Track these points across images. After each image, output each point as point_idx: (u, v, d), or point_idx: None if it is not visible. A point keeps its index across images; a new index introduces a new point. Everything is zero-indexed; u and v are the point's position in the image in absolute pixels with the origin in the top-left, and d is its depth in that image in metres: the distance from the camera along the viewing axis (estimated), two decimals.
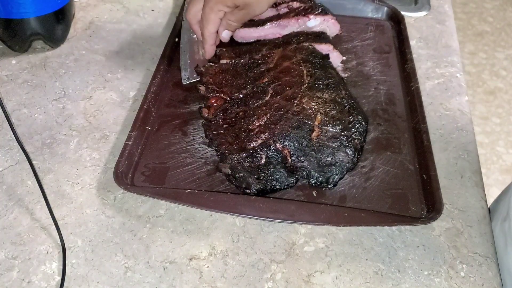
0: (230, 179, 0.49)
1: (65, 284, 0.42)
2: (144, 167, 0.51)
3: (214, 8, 0.56)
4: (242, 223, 0.47)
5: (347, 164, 0.51)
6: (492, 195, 1.47)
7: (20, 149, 0.43)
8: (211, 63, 0.61)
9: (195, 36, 0.67)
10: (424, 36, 0.74)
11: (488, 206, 0.52)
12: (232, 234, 0.47)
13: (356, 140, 0.52)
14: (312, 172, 0.50)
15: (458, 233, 0.48)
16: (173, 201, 0.47)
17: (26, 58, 0.66)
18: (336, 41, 0.70)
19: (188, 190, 0.48)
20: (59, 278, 0.42)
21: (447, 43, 0.73)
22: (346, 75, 0.65)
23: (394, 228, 0.48)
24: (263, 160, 0.50)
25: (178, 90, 0.61)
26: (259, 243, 0.46)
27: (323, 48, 0.63)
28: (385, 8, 0.76)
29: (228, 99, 0.56)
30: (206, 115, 0.54)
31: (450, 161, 0.55)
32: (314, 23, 0.68)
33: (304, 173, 0.50)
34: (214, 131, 0.53)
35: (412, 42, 0.72)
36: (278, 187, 0.49)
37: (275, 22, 0.68)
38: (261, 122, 0.52)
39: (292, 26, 0.68)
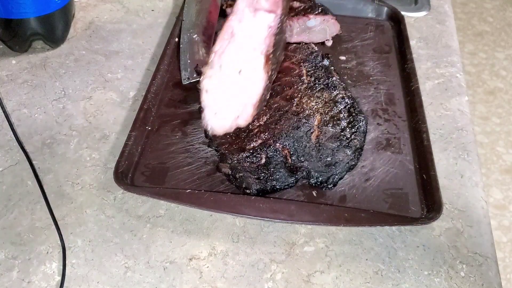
0: (230, 179, 0.49)
1: (65, 284, 0.42)
2: (144, 167, 0.51)
3: None
4: (242, 223, 0.47)
5: (347, 164, 0.51)
6: (492, 195, 1.47)
7: (20, 149, 0.43)
8: None
9: (195, 36, 0.67)
10: (424, 36, 0.74)
11: None
12: (232, 234, 0.47)
13: (356, 140, 0.52)
14: (312, 172, 0.50)
15: (458, 233, 0.48)
16: (173, 201, 0.47)
17: (26, 58, 0.66)
18: (336, 41, 0.70)
19: (188, 190, 0.48)
20: (59, 278, 0.42)
21: (447, 43, 0.73)
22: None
23: (394, 228, 0.48)
24: (263, 160, 0.50)
25: (178, 90, 0.61)
26: (259, 243, 0.46)
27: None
28: (385, 8, 0.76)
29: None
30: None
31: (450, 161, 0.55)
32: (314, 23, 0.68)
33: (304, 173, 0.50)
34: None
35: (412, 42, 0.72)
36: (278, 187, 0.49)
37: None
38: (261, 122, 0.52)
39: (292, 26, 0.68)
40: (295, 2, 0.70)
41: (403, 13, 0.75)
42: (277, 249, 0.45)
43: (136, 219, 0.47)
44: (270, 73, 0.38)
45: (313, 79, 0.57)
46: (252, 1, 0.39)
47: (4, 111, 0.42)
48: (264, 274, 0.44)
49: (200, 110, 0.55)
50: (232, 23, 0.39)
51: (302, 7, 0.69)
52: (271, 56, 0.38)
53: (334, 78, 0.58)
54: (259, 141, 0.50)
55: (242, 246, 0.46)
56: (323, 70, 0.59)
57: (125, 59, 0.67)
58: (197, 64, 0.61)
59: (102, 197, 0.49)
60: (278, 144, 0.50)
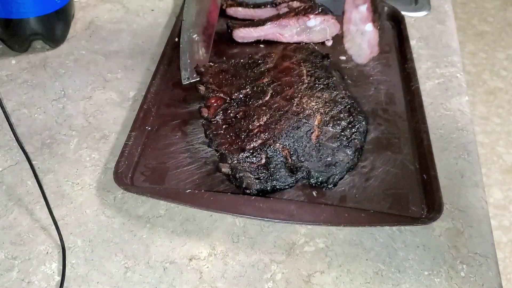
0: (230, 179, 0.49)
1: (65, 284, 0.42)
2: (144, 167, 0.51)
3: None
4: (242, 223, 0.47)
5: (347, 164, 0.50)
6: (492, 195, 1.47)
7: (20, 149, 0.43)
8: (211, 63, 0.61)
9: (195, 36, 0.67)
10: (424, 36, 0.74)
11: None
12: (232, 234, 0.46)
13: (356, 140, 0.52)
14: (312, 172, 0.50)
15: (459, 233, 0.48)
16: (173, 201, 0.47)
17: (26, 58, 0.66)
18: (336, 41, 0.70)
19: (188, 190, 0.48)
20: (59, 278, 0.42)
21: (447, 43, 0.73)
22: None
23: (394, 228, 0.48)
24: (263, 160, 0.49)
25: (178, 90, 0.61)
26: (259, 243, 0.46)
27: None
28: (385, 8, 0.76)
29: (228, 99, 0.56)
30: (206, 115, 0.54)
31: (450, 161, 0.54)
32: (314, 22, 0.67)
33: (304, 173, 0.50)
34: (214, 131, 0.52)
35: (412, 42, 0.72)
36: (278, 187, 0.49)
37: (275, 22, 0.68)
38: (261, 122, 0.52)
39: (292, 26, 0.68)
40: (295, 2, 0.70)
41: (403, 13, 0.75)
42: (277, 249, 0.45)
43: (136, 219, 0.47)
44: (378, 24, 0.63)
45: (313, 79, 0.57)
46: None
47: (4, 111, 0.41)
48: (264, 274, 0.44)
49: (200, 110, 0.55)
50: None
51: (302, 7, 0.69)
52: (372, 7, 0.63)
53: (334, 78, 0.58)
54: (259, 141, 0.50)
55: (242, 246, 0.46)
56: (323, 70, 0.58)
57: (125, 59, 0.67)
58: (197, 64, 0.61)
59: (102, 197, 0.49)
60: (278, 144, 0.50)
